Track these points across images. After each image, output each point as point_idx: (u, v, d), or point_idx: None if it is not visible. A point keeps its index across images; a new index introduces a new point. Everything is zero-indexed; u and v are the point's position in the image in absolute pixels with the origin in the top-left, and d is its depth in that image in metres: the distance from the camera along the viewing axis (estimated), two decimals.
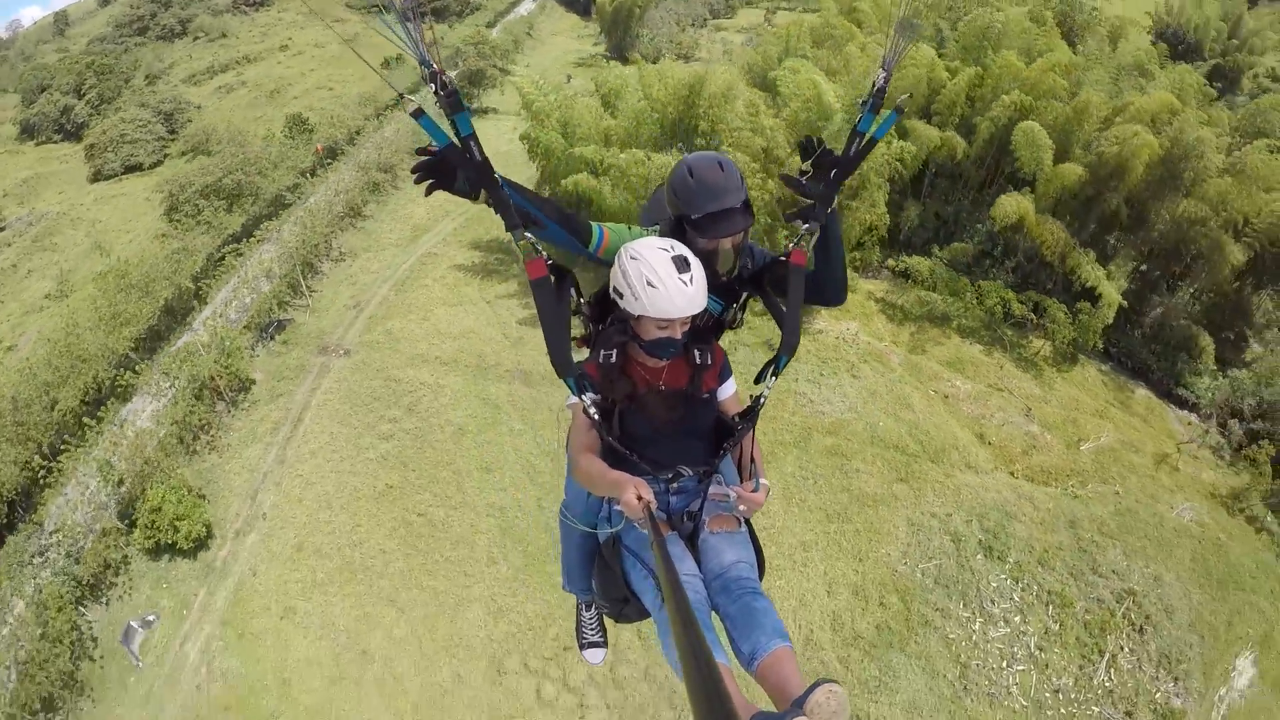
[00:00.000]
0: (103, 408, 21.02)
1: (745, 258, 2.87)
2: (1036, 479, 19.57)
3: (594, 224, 2.67)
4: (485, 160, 2.14)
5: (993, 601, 16.98)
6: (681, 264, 2.42)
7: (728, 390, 2.84)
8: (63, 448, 20.00)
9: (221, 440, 20.82)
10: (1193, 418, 23.90)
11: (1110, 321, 22.76)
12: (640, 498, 2.22)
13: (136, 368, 21.30)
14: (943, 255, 23.83)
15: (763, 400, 2.68)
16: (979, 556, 17.38)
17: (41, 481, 19.68)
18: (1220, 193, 22.78)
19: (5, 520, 19.30)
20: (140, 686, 17.14)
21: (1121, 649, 18.00)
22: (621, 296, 2.51)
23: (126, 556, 18.93)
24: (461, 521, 18.25)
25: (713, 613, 2.50)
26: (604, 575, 2.76)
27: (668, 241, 2.51)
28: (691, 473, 2.64)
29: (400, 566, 17.35)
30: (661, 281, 2.39)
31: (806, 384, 20.70)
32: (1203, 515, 21.34)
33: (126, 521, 18.99)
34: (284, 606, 17.60)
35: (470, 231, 28.54)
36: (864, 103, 2.49)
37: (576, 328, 2.96)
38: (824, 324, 22.36)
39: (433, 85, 1.91)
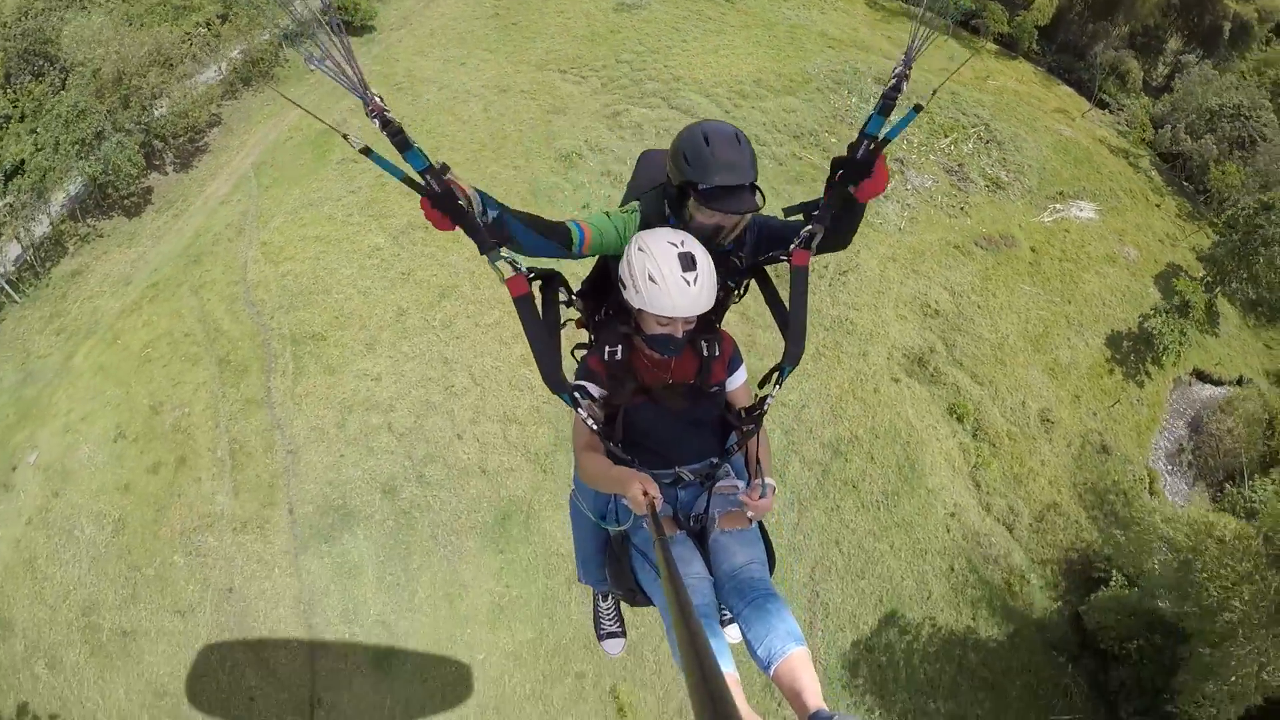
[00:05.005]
0: None
1: (750, 233, 2.78)
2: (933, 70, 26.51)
3: (571, 223, 2.57)
4: (448, 190, 2.12)
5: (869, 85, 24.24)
6: (688, 261, 2.37)
7: (738, 380, 2.77)
8: None
9: None
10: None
11: (1045, 23, 29.30)
12: (646, 493, 2.25)
13: None
14: None
15: (769, 404, 2.64)
16: (869, 80, 24.81)
17: None
18: None
19: None
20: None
21: (967, 143, 24.18)
22: (624, 287, 2.47)
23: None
24: None
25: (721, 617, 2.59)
26: (615, 566, 2.78)
27: (679, 235, 2.46)
28: (693, 477, 2.68)
29: None
30: (664, 278, 2.35)
31: (787, 8, 29.29)
32: (1081, 137, 26.85)
33: None
34: (411, 75, 27.42)
35: None
36: (878, 104, 2.32)
37: (570, 314, 2.90)
38: None
39: (376, 122, 1.89)
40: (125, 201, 23.17)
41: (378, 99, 1.88)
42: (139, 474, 16.44)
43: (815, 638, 14.48)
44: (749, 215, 2.59)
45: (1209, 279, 21.49)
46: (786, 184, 21.59)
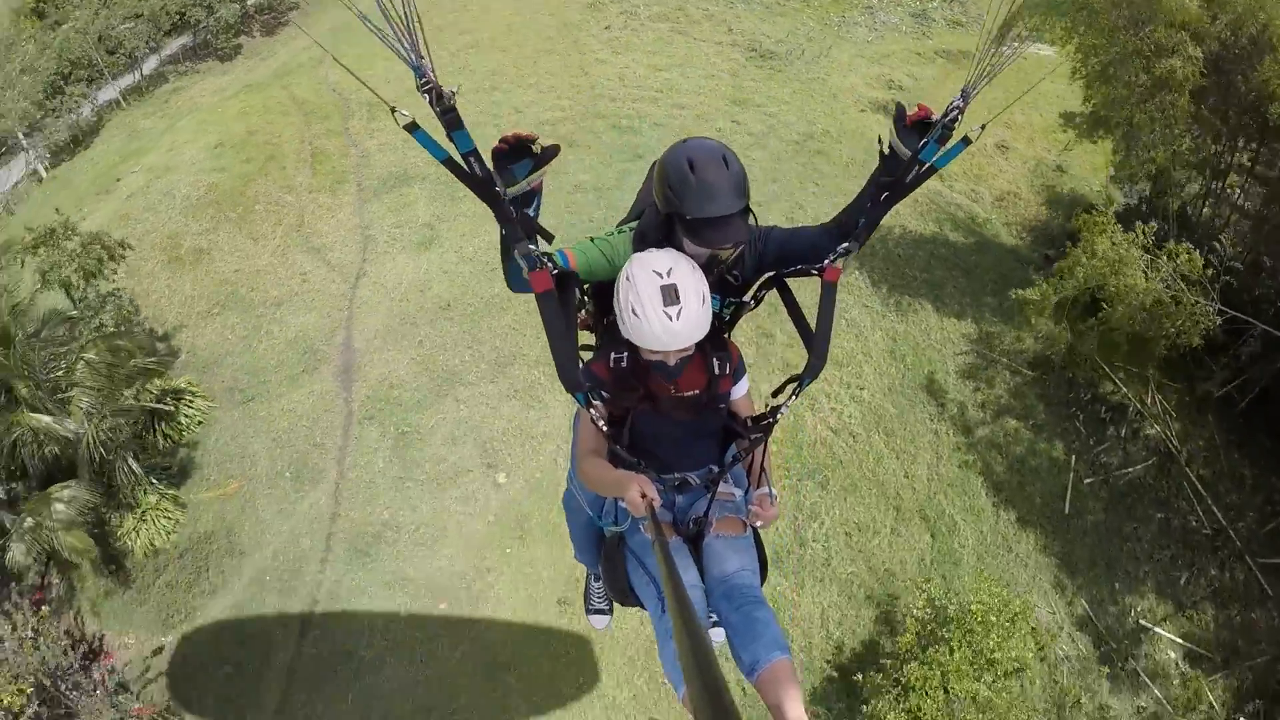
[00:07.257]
0: None
1: (756, 244, 2.73)
2: None
3: (558, 253, 2.51)
4: (490, 175, 2.04)
5: None
6: (670, 296, 2.32)
7: (740, 390, 2.77)
8: None
9: None
10: None
11: None
12: (644, 495, 2.27)
13: None
14: None
15: (780, 415, 2.62)
16: None
17: None
18: None
19: None
20: None
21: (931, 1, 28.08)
22: (617, 316, 2.46)
23: None
24: None
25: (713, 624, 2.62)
26: (609, 566, 2.80)
27: (667, 262, 2.39)
28: (699, 482, 2.70)
29: None
30: (645, 315, 2.32)
31: None
32: None
33: None
34: None
35: None
36: (932, 132, 2.30)
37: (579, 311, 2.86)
38: None
39: (427, 97, 1.76)
40: (220, 51, 27.67)
41: (432, 71, 1.72)
42: (234, 164, 19.65)
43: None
44: (742, 245, 2.54)
45: None
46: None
